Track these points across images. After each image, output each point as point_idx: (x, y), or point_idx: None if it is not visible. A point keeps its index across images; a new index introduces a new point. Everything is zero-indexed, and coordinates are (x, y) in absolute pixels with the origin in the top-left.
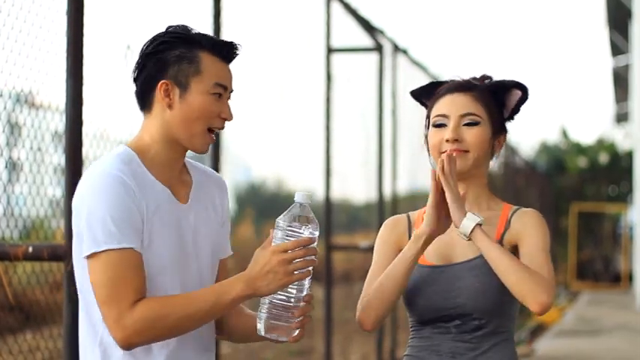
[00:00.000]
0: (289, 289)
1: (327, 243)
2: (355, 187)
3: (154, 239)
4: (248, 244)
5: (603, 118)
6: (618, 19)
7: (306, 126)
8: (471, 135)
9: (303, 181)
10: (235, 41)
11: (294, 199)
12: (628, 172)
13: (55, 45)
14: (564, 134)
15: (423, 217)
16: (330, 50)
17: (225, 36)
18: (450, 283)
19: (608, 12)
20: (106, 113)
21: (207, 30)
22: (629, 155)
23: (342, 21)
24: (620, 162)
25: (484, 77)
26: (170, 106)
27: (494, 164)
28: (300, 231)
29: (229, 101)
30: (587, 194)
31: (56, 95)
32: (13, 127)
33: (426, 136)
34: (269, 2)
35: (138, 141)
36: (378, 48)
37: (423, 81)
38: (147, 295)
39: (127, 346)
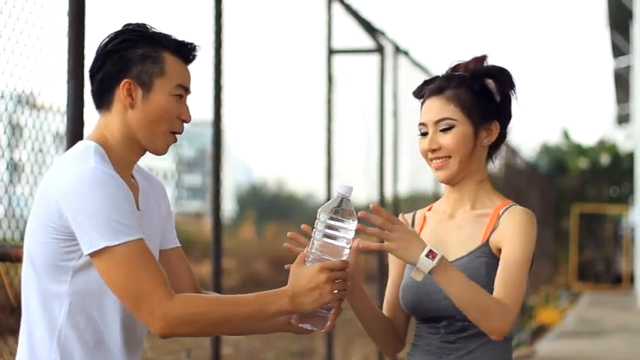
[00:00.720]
0: None
1: None
2: (356, 187)
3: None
4: (249, 246)
5: (604, 120)
6: (619, 20)
7: (308, 127)
8: (448, 140)
9: (304, 183)
10: (196, 43)
11: (337, 190)
12: (629, 173)
13: (56, 46)
14: (565, 135)
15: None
16: (331, 51)
17: (226, 37)
18: (435, 285)
19: (609, 13)
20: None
21: (209, 32)
22: (631, 156)
23: (343, 22)
24: (621, 163)
25: (476, 59)
26: (132, 106)
27: (495, 159)
28: (344, 225)
29: (187, 103)
30: (588, 195)
31: (57, 96)
32: (15, 129)
33: None
34: (270, 3)
35: (100, 137)
36: (380, 49)
37: None
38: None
39: (165, 336)
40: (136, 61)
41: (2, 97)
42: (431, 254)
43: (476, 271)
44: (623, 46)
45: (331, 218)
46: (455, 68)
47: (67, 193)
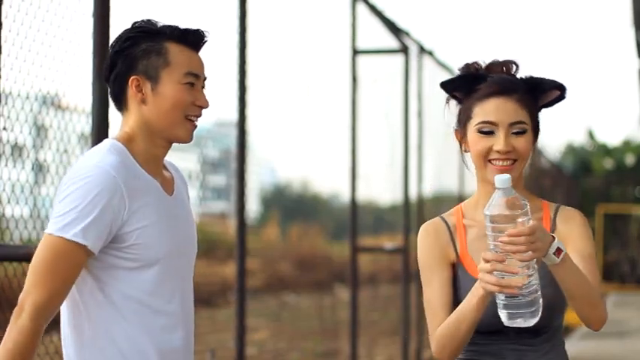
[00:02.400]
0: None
1: (353, 244)
2: (381, 188)
3: (146, 231)
4: (273, 246)
5: (629, 119)
6: None
7: (332, 128)
8: (520, 144)
9: (329, 183)
10: (202, 28)
11: (495, 185)
12: None
13: (81, 47)
14: (590, 136)
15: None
16: (355, 52)
17: (251, 37)
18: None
19: (634, 12)
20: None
21: (233, 32)
22: None
23: (368, 22)
24: None
25: (505, 63)
26: (144, 101)
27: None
28: (514, 217)
29: (205, 89)
30: (613, 196)
31: (82, 97)
32: (40, 129)
33: (456, 131)
34: (295, 4)
35: (123, 134)
36: (404, 49)
37: None
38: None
39: (28, 325)
40: (140, 57)
41: (27, 98)
42: (557, 252)
43: (553, 278)
44: None
45: (492, 220)
46: (491, 69)
47: (63, 180)
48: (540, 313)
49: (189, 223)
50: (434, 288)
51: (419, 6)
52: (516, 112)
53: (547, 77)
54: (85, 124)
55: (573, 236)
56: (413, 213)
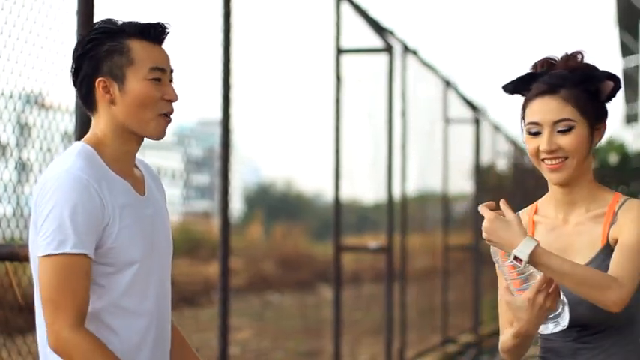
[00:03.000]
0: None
1: (337, 243)
2: (365, 187)
3: (122, 234)
4: (257, 245)
5: (613, 119)
6: (628, 20)
7: (316, 127)
8: (567, 142)
9: (312, 182)
10: (161, 21)
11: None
12: (638, 172)
13: (65, 46)
14: None
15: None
16: (339, 51)
17: (235, 36)
18: (567, 294)
19: (619, 12)
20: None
21: (217, 31)
22: (639, 156)
23: (352, 22)
24: (629, 163)
25: (573, 56)
26: (113, 102)
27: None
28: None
29: (172, 82)
30: None
31: (66, 96)
32: (23, 128)
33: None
34: (279, 3)
35: (92, 137)
36: (388, 49)
37: (433, 82)
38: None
39: (52, 349)
40: (103, 57)
41: (11, 96)
42: (518, 261)
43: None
44: (631, 45)
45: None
46: (550, 65)
47: (36, 193)
48: (567, 314)
49: (163, 222)
50: (506, 290)
51: (403, 5)
52: (560, 110)
53: (599, 69)
54: (68, 122)
55: (624, 227)
56: (396, 212)
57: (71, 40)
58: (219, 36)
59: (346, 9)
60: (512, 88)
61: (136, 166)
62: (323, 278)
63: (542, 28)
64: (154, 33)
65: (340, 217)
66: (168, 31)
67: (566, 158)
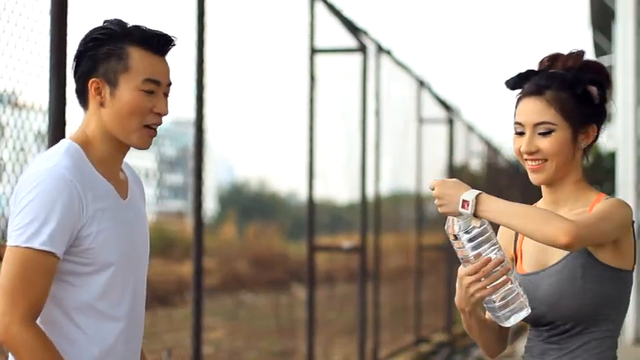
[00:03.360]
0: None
1: (310, 243)
2: (338, 187)
3: (100, 236)
4: (230, 245)
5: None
6: (601, 20)
7: (290, 127)
8: (547, 144)
9: (287, 182)
10: (169, 33)
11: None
12: (610, 172)
13: (38, 45)
14: None
15: None
16: (313, 51)
17: (209, 36)
18: (532, 293)
19: (592, 13)
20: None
21: (191, 31)
22: (612, 156)
23: (326, 21)
24: (602, 163)
25: (576, 56)
26: (102, 104)
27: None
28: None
29: (168, 95)
30: None
31: (39, 95)
32: None
33: None
34: (253, 3)
35: (81, 135)
36: (362, 49)
37: (407, 82)
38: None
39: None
40: (101, 59)
41: None
42: (464, 203)
43: (571, 274)
44: (605, 46)
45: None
46: (552, 64)
47: (17, 186)
48: (526, 302)
49: (142, 227)
50: None
51: (377, 5)
52: (542, 113)
53: (589, 74)
54: (42, 122)
55: (596, 208)
56: (370, 212)
57: (44, 39)
58: (193, 36)
59: (320, 9)
60: (512, 84)
61: (121, 170)
62: (296, 278)
63: (517, 28)
64: (157, 44)
65: (314, 217)
66: (174, 43)
67: (545, 160)
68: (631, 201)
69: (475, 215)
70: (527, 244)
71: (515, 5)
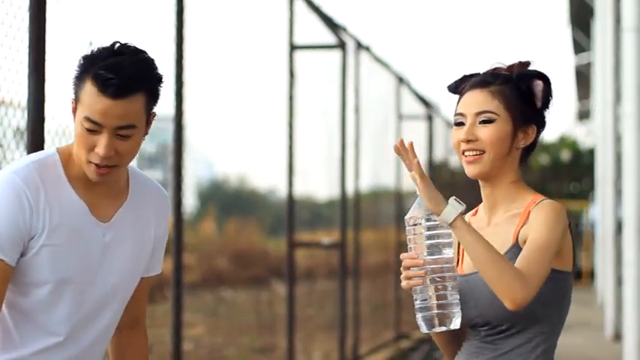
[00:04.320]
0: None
1: (290, 240)
2: (318, 184)
3: (43, 251)
4: (210, 241)
5: (565, 116)
6: (580, 17)
7: (269, 123)
8: (485, 133)
9: (266, 178)
10: (131, 77)
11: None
12: (590, 169)
13: (16, 41)
14: None
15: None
16: (293, 47)
17: (188, 32)
18: (467, 294)
19: (571, 10)
20: (68, 110)
21: (170, 27)
22: (591, 153)
23: (305, 18)
24: (581, 159)
25: (521, 64)
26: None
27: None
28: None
29: (127, 137)
30: (549, 191)
31: (18, 92)
32: None
33: None
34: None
35: (67, 148)
36: (341, 45)
37: (386, 78)
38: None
39: None
40: (76, 82)
41: None
42: (444, 214)
43: None
44: (584, 42)
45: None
46: (498, 68)
47: None
48: (459, 312)
49: (124, 253)
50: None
51: (356, 2)
52: (485, 103)
53: (533, 69)
54: (20, 118)
55: (533, 227)
56: (350, 208)
57: (23, 35)
58: (172, 32)
59: (300, 5)
60: (454, 87)
61: (127, 189)
62: (276, 274)
63: (496, 25)
64: (109, 87)
65: (293, 214)
66: (132, 89)
67: (483, 152)
68: (610, 197)
69: (451, 226)
70: None
71: (494, 2)
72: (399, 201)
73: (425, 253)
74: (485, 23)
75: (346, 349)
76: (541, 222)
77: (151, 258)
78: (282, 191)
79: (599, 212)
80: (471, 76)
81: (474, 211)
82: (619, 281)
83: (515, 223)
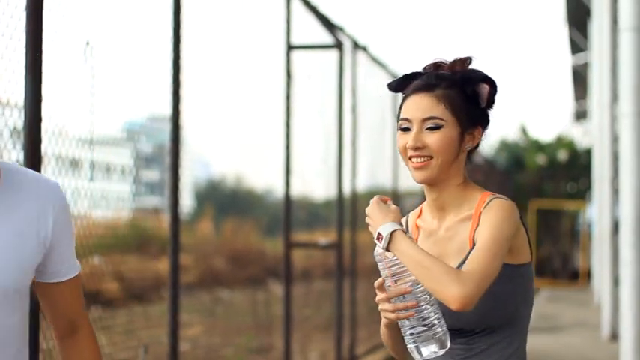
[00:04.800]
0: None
1: (287, 240)
2: (315, 184)
3: None
4: (207, 241)
5: (562, 116)
6: (577, 17)
7: (266, 123)
8: (433, 140)
9: (263, 178)
10: None
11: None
12: (586, 169)
13: (13, 40)
14: (524, 132)
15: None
16: (290, 47)
17: (185, 32)
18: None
19: (568, 10)
20: (65, 110)
21: (167, 27)
22: (588, 153)
23: (302, 18)
24: (578, 159)
25: (461, 61)
26: None
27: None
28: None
29: None
30: (546, 191)
31: (15, 91)
32: None
33: None
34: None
35: None
36: (338, 45)
37: (383, 78)
38: None
39: None
40: None
41: None
42: (378, 237)
43: None
44: (581, 42)
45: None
46: (438, 67)
47: None
48: (447, 336)
49: None
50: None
51: (353, 2)
52: (431, 108)
53: (480, 72)
54: (17, 118)
55: (482, 226)
56: (347, 209)
57: (19, 35)
58: (169, 32)
59: (297, 5)
60: (395, 85)
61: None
62: (273, 274)
63: (492, 24)
64: None
65: (290, 214)
66: None
67: (431, 157)
68: (607, 197)
69: (387, 250)
70: (430, 251)
71: (492, 2)
72: (396, 201)
73: (407, 281)
74: (483, 23)
75: (343, 349)
76: (489, 223)
77: (54, 257)
78: (279, 191)
79: (596, 212)
80: (413, 75)
81: (417, 212)
82: (616, 281)
83: (468, 226)
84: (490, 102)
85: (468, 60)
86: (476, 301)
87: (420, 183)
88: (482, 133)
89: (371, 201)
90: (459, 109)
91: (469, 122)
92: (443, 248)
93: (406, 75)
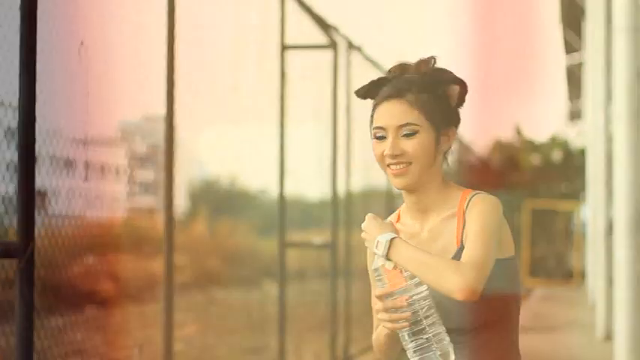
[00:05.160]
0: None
1: (281, 240)
2: (309, 183)
3: None
4: (201, 241)
5: (556, 116)
6: (571, 17)
7: (260, 123)
8: (411, 146)
9: (257, 178)
10: None
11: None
12: (581, 169)
13: (7, 40)
14: (518, 132)
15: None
16: (284, 47)
17: (179, 32)
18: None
19: (562, 10)
20: (59, 110)
21: (161, 26)
22: (582, 153)
23: (297, 18)
24: (573, 160)
25: (425, 62)
26: None
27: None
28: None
29: None
30: (540, 191)
31: (9, 91)
32: None
33: None
34: None
35: None
36: (333, 45)
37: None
38: None
39: None
40: None
41: None
42: (378, 245)
43: None
44: (575, 42)
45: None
46: (404, 69)
47: None
48: (450, 348)
49: None
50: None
51: (347, 2)
52: (405, 114)
53: (449, 73)
54: (12, 118)
55: (470, 220)
56: (341, 208)
57: (14, 35)
58: (163, 32)
59: (291, 5)
60: (363, 92)
61: None
62: (268, 274)
63: (487, 24)
64: None
65: (285, 214)
66: None
67: (410, 163)
68: (601, 197)
69: (388, 258)
70: None
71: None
72: (391, 200)
73: (408, 285)
74: (477, 23)
75: (337, 349)
76: (477, 216)
77: None
78: (273, 191)
79: (590, 212)
80: (380, 81)
81: (395, 216)
82: (610, 281)
83: (453, 225)
84: (461, 102)
85: (432, 60)
86: (479, 291)
87: (401, 189)
88: (456, 132)
89: (366, 217)
90: (433, 113)
91: (443, 124)
92: (427, 249)
93: (373, 81)
